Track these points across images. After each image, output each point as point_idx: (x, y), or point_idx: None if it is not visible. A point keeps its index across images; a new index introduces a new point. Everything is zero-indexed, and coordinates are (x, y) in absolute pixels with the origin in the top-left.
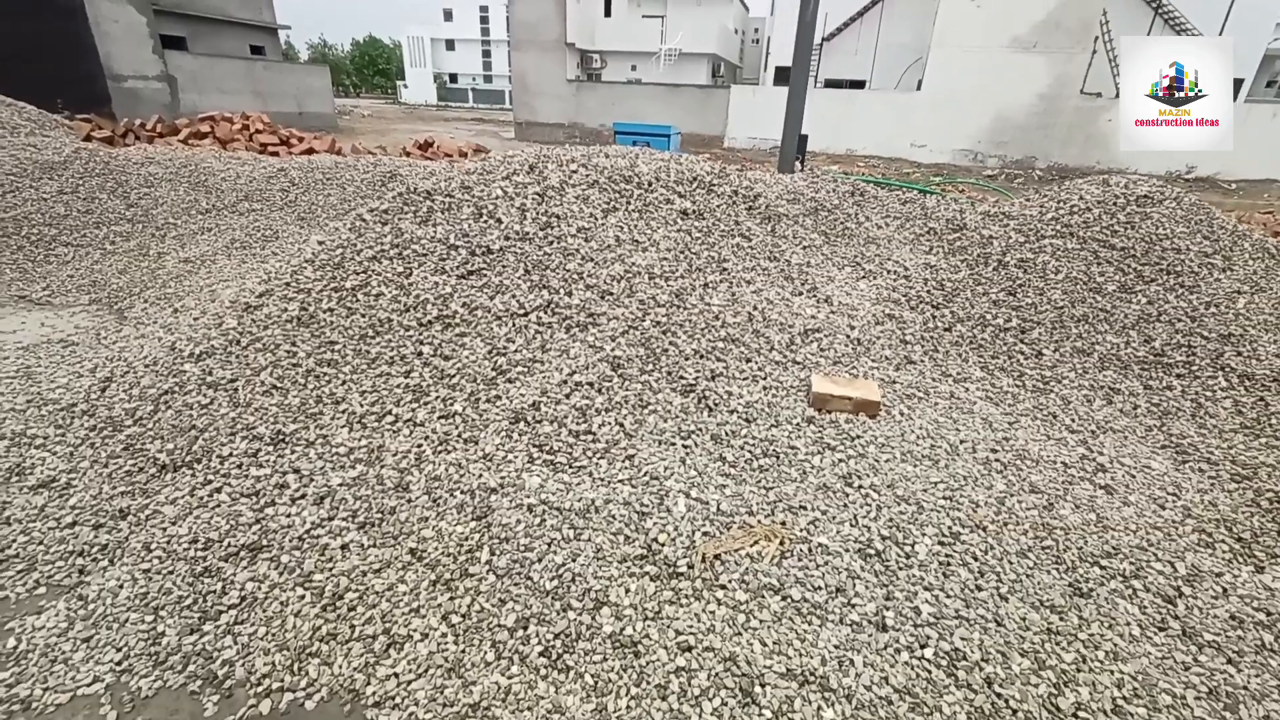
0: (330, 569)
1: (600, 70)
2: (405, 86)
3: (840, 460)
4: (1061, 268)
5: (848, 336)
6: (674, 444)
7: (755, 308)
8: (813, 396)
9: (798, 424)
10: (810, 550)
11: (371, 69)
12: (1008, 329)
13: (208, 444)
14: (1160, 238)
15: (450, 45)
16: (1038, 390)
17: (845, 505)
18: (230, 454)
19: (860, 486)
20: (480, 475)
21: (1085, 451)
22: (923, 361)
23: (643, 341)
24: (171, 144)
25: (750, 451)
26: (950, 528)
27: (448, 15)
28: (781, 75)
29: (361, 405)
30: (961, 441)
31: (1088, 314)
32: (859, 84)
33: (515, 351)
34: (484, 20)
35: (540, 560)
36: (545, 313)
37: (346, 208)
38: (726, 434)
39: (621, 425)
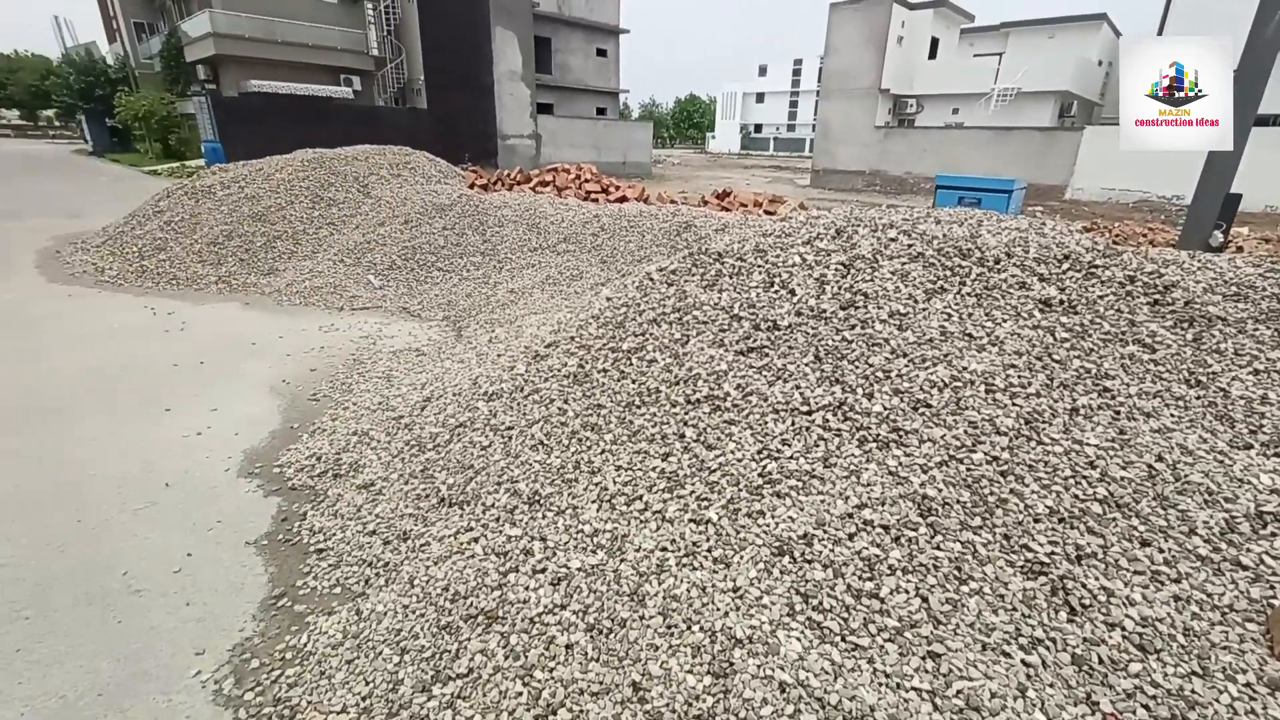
0: (551, 670)
1: (915, 115)
2: (713, 137)
3: None
4: None
5: None
6: (1008, 655)
7: (1161, 458)
8: None
9: (1249, 685)
10: None
11: (687, 122)
12: None
13: (478, 488)
14: None
15: (760, 98)
16: None
17: None
18: (493, 504)
19: None
20: (725, 614)
21: None
22: None
23: (969, 481)
24: (523, 190)
25: (1148, 710)
26: None
27: (762, 71)
28: None
29: (615, 482)
30: None
31: None
32: None
33: (790, 459)
34: (796, 73)
35: None
36: (834, 415)
37: (642, 255)
38: (1102, 663)
39: (925, 601)
